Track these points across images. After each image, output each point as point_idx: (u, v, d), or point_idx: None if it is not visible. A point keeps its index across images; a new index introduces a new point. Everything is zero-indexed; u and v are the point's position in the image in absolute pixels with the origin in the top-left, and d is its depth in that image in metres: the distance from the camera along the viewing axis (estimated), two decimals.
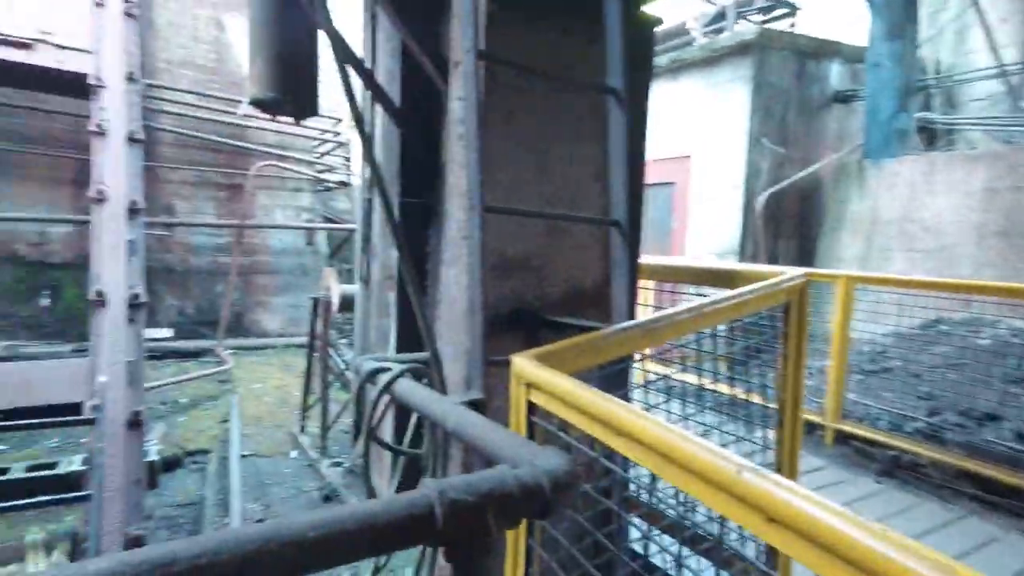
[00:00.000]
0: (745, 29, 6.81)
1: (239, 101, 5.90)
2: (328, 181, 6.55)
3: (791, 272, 1.73)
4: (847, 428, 3.79)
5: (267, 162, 5.93)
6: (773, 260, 6.37)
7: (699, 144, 6.45)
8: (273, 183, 6.46)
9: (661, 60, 6.74)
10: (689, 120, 6.56)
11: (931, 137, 7.52)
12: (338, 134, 6.92)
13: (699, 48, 6.28)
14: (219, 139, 5.71)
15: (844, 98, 6.91)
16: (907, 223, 5.68)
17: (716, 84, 6.29)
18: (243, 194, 5.81)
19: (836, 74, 6.88)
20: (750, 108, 5.97)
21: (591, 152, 1.90)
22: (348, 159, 8.53)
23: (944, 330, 4.92)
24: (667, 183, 6.89)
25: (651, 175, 7.23)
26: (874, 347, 4.99)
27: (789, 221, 6.56)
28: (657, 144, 6.87)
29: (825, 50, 6.65)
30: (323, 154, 6.53)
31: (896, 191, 5.80)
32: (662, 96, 6.95)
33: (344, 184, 6.62)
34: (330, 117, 7.17)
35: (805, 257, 6.63)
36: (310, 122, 6.96)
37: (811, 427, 4.08)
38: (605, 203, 1.97)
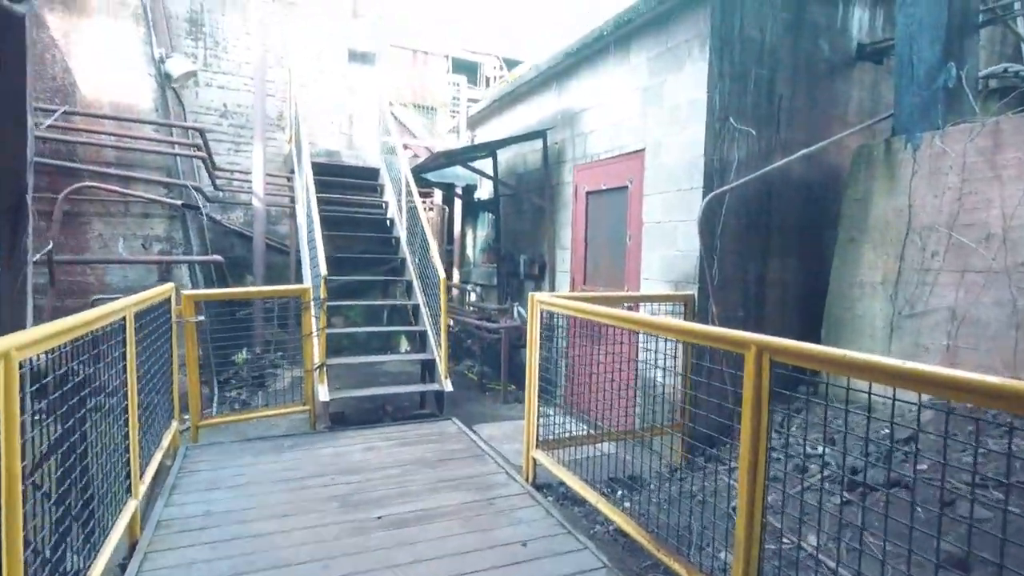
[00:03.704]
0: None
1: (69, 113, 5.07)
2: (173, 204, 5.54)
3: None
4: None
5: (83, 183, 5.02)
6: (753, 288, 4.48)
7: (654, 133, 4.73)
8: (112, 209, 5.55)
9: (607, 27, 5.10)
10: (643, 103, 4.87)
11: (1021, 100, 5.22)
12: (199, 148, 5.91)
13: (646, 0, 4.59)
14: (37, 159, 4.89)
15: (874, 54, 4.89)
16: (960, 229, 3.65)
17: (670, 49, 4.57)
18: (74, 224, 4.95)
19: (860, 20, 4.88)
20: (709, 77, 4.19)
21: None
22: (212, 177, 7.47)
23: None
24: (620, 187, 5.19)
25: (602, 178, 5.60)
26: None
27: (784, 232, 4.64)
28: (610, 140, 5.22)
29: None
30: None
31: (941, 180, 3.78)
32: (610, 77, 5.29)
33: (190, 207, 5.60)
34: (192, 127, 6.19)
35: (810, 285, 4.66)
36: (163, 135, 5.96)
37: None
38: None
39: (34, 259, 4.84)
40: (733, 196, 4.31)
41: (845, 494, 2.80)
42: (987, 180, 3.56)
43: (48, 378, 1.95)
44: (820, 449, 3.69)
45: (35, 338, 1.67)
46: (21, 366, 1.67)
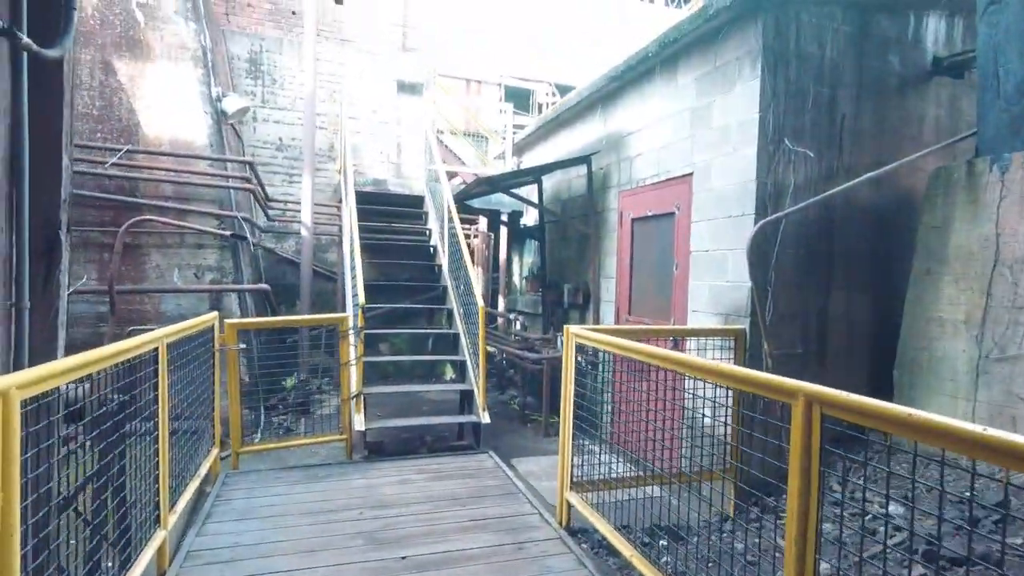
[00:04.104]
0: None
1: (132, 151, 5.41)
2: (221, 235, 5.74)
3: None
4: None
5: (142, 217, 5.28)
6: (813, 323, 4.11)
7: (702, 157, 4.50)
8: (168, 240, 5.82)
9: (651, 47, 4.94)
10: (691, 125, 4.65)
11: None
12: (248, 180, 6.13)
13: (692, 18, 4.40)
14: (103, 195, 5.28)
15: (953, 67, 4.47)
16: None
17: (719, 68, 4.35)
18: (134, 255, 5.21)
19: (935, 32, 4.49)
20: (761, 96, 3.94)
21: None
22: (266, 209, 7.76)
23: None
24: (666, 213, 4.95)
25: (648, 204, 5.36)
26: None
27: (850, 262, 4.25)
28: (656, 164, 5.02)
29: None
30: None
31: None
32: (656, 99, 5.10)
33: (239, 237, 5.77)
34: (241, 160, 6.43)
35: (880, 320, 4.23)
36: (217, 169, 6.26)
37: None
38: None
39: (96, 289, 5.16)
40: (789, 223, 4.00)
41: (918, 566, 2.42)
42: None
43: (59, 415, 1.94)
44: (885, 510, 3.28)
45: (37, 377, 1.66)
46: (26, 404, 1.66)
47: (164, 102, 5.99)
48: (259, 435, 5.53)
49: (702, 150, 4.48)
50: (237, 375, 4.44)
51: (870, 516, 3.22)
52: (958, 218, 3.72)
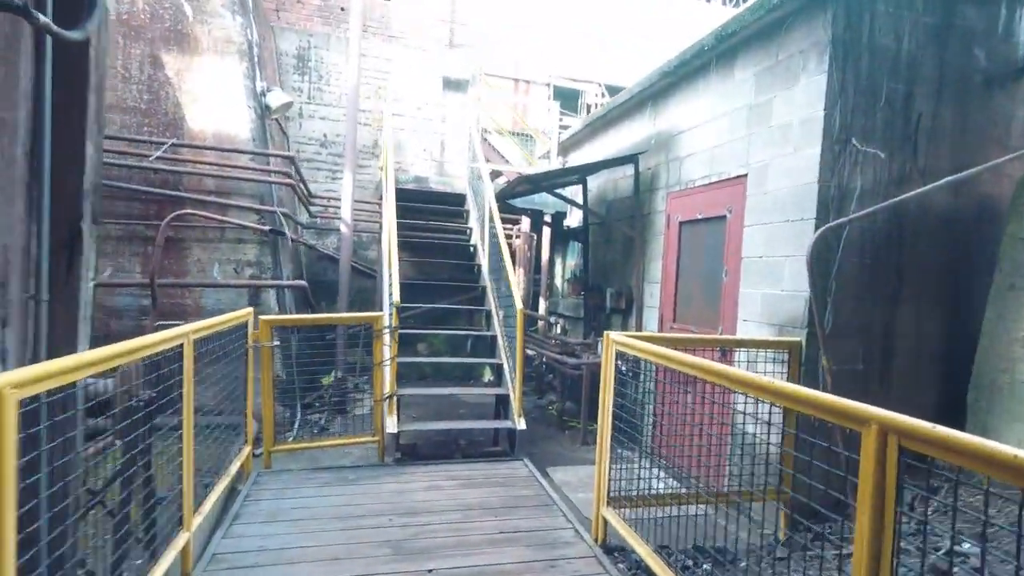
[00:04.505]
0: None
1: (176, 145, 5.49)
2: (260, 230, 5.73)
3: None
4: None
5: (183, 211, 5.33)
6: (877, 339, 3.74)
7: (758, 157, 4.19)
8: (210, 234, 5.87)
9: (708, 41, 4.64)
10: (747, 123, 4.34)
11: None
12: (288, 175, 6.12)
13: (753, 8, 4.10)
14: (147, 188, 5.38)
15: None
16: None
17: (781, 62, 4.03)
18: (176, 249, 5.29)
19: None
20: (828, 91, 3.61)
21: None
22: (308, 203, 7.75)
23: None
24: (717, 217, 4.65)
25: (698, 206, 5.06)
26: None
27: (921, 273, 3.86)
28: (708, 165, 4.75)
29: None
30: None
31: None
32: (710, 96, 4.81)
33: (277, 233, 5.76)
34: (282, 155, 6.42)
35: (954, 339, 3.82)
36: (259, 164, 6.29)
37: None
38: None
39: (139, 282, 5.25)
40: (854, 229, 3.66)
41: None
42: None
43: (75, 411, 1.88)
44: (966, 546, 2.92)
45: (35, 375, 1.57)
46: (23, 404, 1.57)
47: (209, 96, 6.08)
48: (294, 432, 5.53)
49: (759, 150, 4.17)
50: (271, 373, 4.41)
51: (941, 553, 2.88)
52: None
